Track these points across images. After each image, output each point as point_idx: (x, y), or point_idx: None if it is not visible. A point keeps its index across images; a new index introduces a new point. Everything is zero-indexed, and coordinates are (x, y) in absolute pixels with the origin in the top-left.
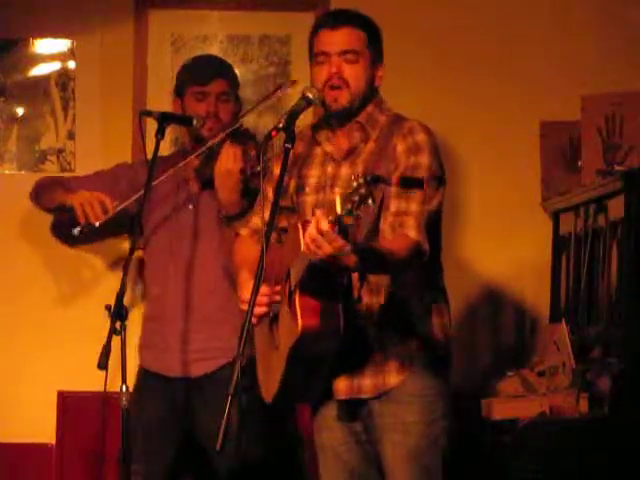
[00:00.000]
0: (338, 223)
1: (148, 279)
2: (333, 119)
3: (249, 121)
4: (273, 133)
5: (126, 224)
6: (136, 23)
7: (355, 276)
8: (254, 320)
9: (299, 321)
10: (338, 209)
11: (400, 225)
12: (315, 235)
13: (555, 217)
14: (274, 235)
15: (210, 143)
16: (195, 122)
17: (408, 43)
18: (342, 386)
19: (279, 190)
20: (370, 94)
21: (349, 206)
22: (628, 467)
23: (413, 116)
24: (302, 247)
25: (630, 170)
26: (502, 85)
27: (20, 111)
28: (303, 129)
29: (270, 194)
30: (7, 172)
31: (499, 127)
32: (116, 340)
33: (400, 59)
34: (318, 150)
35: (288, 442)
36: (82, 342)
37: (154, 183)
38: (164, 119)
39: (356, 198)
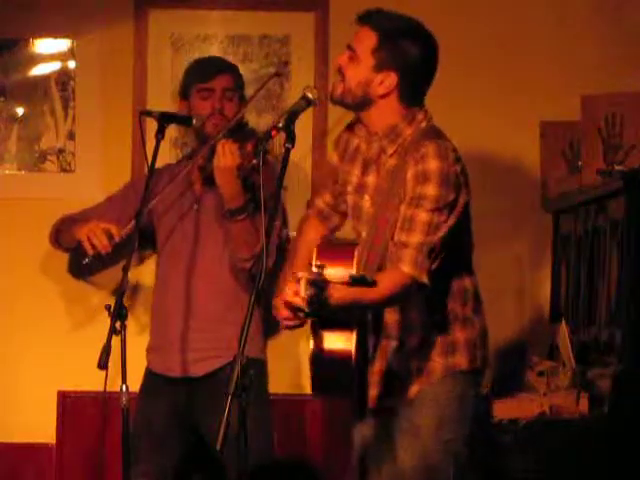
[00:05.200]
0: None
1: (156, 281)
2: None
3: (249, 120)
4: (273, 133)
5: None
6: (136, 23)
7: None
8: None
9: (311, 344)
10: (302, 292)
11: (397, 258)
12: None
13: (555, 217)
14: (336, 219)
15: (212, 141)
16: (195, 122)
17: None
18: (372, 395)
19: (279, 193)
20: (366, 97)
21: (309, 293)
22: (628, 467)
23: None
24: None
25: (630, 170)
26: (502, 85)
27: (20, 111)
28: (352, 120)
29: (329, 182)
30: (7, 172)
31: (499, 127)
32: (116, 340)
33: None
34: (362, 147)
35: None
36: (82, 342)
37: (165, 192)
38: (164, 119)
39: (310, 292)
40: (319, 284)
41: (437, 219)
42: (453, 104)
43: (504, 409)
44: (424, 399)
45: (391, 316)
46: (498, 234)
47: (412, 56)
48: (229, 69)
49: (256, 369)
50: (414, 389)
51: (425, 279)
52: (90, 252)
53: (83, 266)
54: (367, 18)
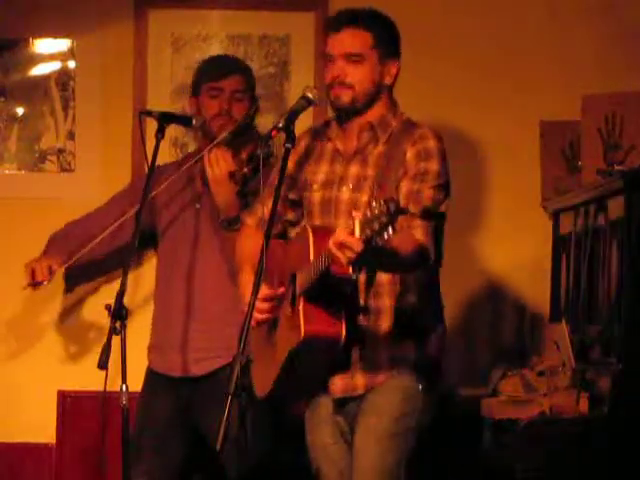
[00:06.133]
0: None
1: (156, 279)
2: (342, 116)
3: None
4: (273, 133)
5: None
6: (136, 23)
7: (362, 281)
8: (253, 323)
9: (302, 328)
10: (357, 233)
11: (408, 226)
12: (343, 239)
13: (555, 217)
14: (278, 227)
15: (215, 142)
16: (195, 122)
17: (407, 43)
18: (338, 385)
19: (278, 194)
20: (378, 92)
21: (368, 233)
22: (628, 467)
23: (412, 116)
24: (311, 256)
25: (630, 170)
26: (502, 85)
27: (20, 111)
28: (316, 125)
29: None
30: (7, 172)
31: (499, 127)
32: (116, 340)
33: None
34: (329, 146)
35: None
36: (82, 342)
37: (162, 186)
38: (164, 119)
39: (376, 226)
40: (388, 213)
41: (439, 195)
42: (453, 104)
43: (504, 409)
44: (393, 387)
45: (373, 304)
46: (498, 234)
47: (398, 43)
48: (240, 70)
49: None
50: (383, 376)
51: (433, 252)
52: (27, 280)
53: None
54: (351, 20)
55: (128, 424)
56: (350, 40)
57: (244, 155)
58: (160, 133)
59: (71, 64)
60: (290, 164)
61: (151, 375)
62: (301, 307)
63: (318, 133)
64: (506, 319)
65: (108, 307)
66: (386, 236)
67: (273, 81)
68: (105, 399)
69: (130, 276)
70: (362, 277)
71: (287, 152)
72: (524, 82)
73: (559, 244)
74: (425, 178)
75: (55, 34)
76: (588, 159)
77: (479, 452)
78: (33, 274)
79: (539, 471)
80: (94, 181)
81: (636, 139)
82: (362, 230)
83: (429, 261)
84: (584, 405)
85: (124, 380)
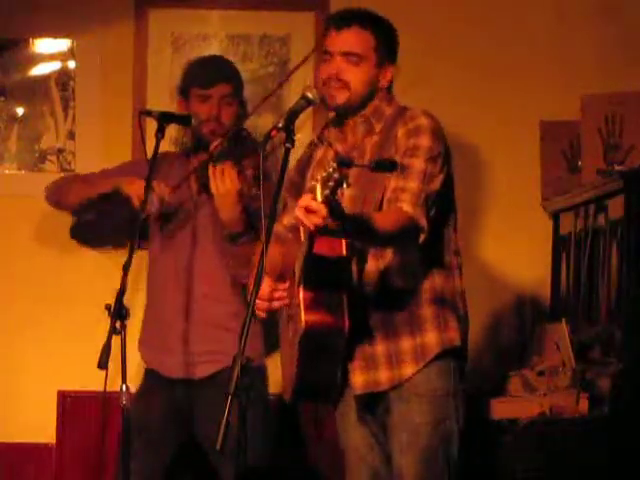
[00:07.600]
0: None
1: (149, 281)
2: (338, 117)
3: (249, 122)
4: (273, 133)
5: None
6: (136, 22)
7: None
8: (261, 315)
9: (302, 316)
10: (318, 197)
11: (396, 199)
12: (306, 204)
13: (555, 217)
14: (291, 236)
15: (211, 149)
16: (194, 121)
17: (407, 43)
18: (359, 381)
19: (279, 190)
20: (371, 94)
21: (327, 192)
22: (628, 467)
23: None
24: (302, 239)
25: (630, 170)
26: (502, 85)
27: (20, 111)
28: (319, 133)
29: (289, 201)
30: (7, 172)
31: (499, 127)
32: (116, 340)
33: (398, 58)
34: (330, 152)
35: (297, 441)
36: (82, 342)
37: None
38: (164, 119)
39: (331, 184)
40: (338, 168)
41: (432, 169)
42: (453, 104)
43: (504, 409)
44: (420, 394)
45: (372, 288)
46: (498, 234)
47: (397, 49)
48: (229, 77)
49: (255, 375)
50: (409, 369)
51: (424, 222)
52: (141, 210)
53: (96, 237)
54: (355, 20)
55: (128, 424)
56: (353, 39)
57: (249, 172)
58: (160, 133)
59: (71, 64)
60: (295, 177)
61: (149, 374)
62: (301, 296)
63: (319, 140)
64: (506, 319)
65: (108, 307)
66: (340, 192)
67: (273, 81)
68: (105, 399)
69: (130, 276)
70: (376, 265)
71: (287, 152)
72: (524, 82)
73: (559, 244)
74: (415, 153)
75: (55, 34)
76: (588, 159)
77: (479, 452)
78: (145, 204)
79: (539, 471)
80: None
81: (636, 139)
82: (322, 192)
83: (420, 232)
84: (584, 405)
85: (124, 380)
